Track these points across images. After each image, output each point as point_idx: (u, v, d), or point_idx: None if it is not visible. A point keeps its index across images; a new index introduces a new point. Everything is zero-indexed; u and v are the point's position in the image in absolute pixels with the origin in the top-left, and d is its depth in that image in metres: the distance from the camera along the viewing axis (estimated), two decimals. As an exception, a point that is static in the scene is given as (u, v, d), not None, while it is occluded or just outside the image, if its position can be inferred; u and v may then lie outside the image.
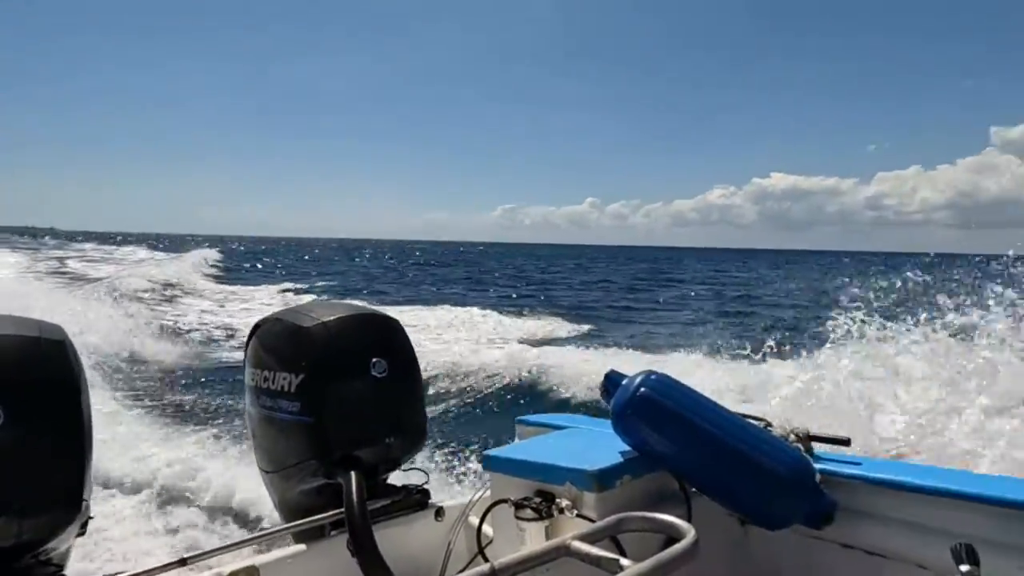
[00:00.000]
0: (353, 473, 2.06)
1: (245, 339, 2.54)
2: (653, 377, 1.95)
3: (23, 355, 1.59)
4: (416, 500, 2.30)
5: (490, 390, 10.00)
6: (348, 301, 2.65)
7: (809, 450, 1.99)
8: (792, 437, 1.97)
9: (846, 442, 2.00)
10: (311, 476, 2.22)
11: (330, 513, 2.08)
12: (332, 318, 2.28)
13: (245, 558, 1.91)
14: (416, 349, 2.43)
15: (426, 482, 2.43)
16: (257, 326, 2.50)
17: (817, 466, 1.89)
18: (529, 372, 10.44)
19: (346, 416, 2.17)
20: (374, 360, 2.22)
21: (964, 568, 1.22)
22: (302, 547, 2.02)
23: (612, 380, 2.02)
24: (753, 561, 2.11)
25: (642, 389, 1.92)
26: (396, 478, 2.46)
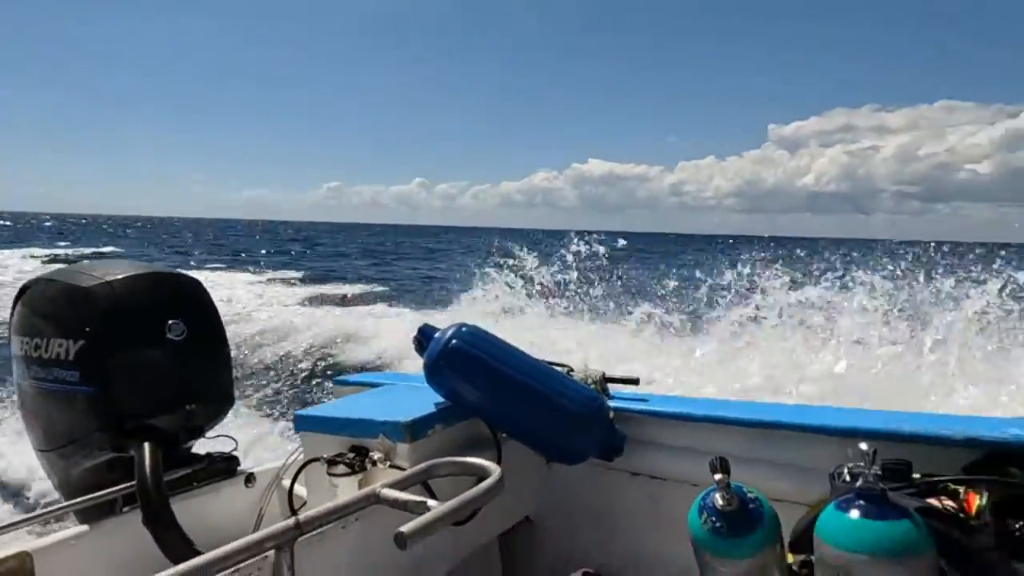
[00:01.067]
0: (146, 443, 1.91)
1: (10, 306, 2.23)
2: (464, 329, 2.01)
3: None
4: (222, 468, 2.19)
5: (307, 356, 9.78)
6: (136, 261, 2.40)
7: (605, 390, 2.18)
8: (590, 380, 2.14)
9: (635, 381, 2.21)
10: (98, 450, 2.02)
11: (118, 487, 1.91)
12: (118, 277, 2.07)
13: (17, 543, 1.71)
14: (224, 315, 2.29)
15: (234, 449, 2.32)
16: (24, 289, 2.20)
17: (611, 404, 2.08)
18: (347, 338, 10.46)
19: (138, 383, 2.00)
20: (171, 322, 2.06)
21: (717, 476, 1.42)
22: (84, 527, 1.84)
23: (426, 333, 2.05)
24: (557, 495, 2.28)
25: (453, 341, 1.97)
26: (204, 447, 2.32)
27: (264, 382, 8.53)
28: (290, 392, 8.11)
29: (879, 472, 1.20)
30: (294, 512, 2.02)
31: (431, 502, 1.50)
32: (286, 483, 2.28)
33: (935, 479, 1.46)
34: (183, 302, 2.16)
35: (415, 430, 1.88)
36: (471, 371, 1.94)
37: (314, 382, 8.50)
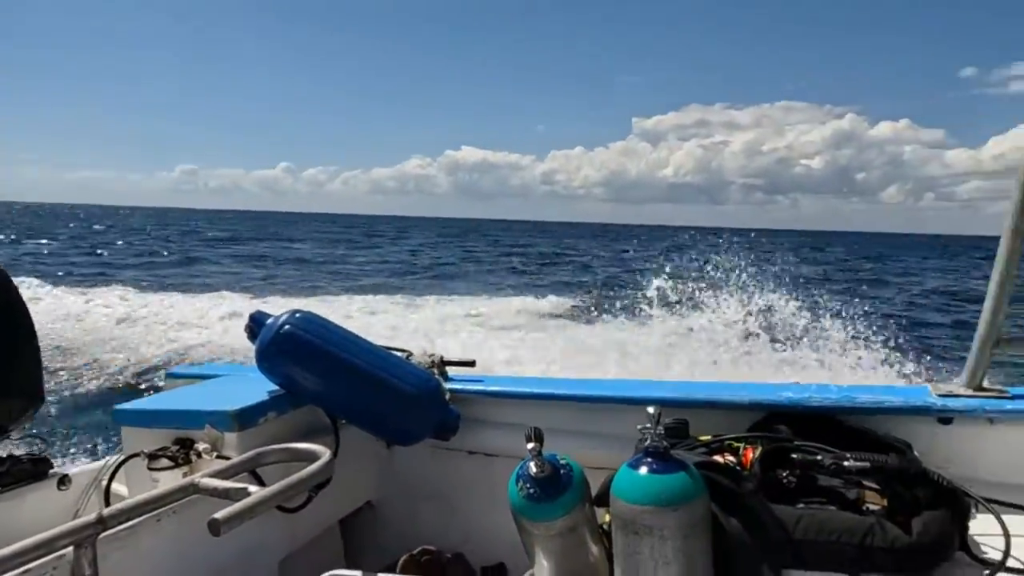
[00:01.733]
0: None
1: None
2: (298, 315, 1.98)
3: None
4: (28, 470, 2.01)
5: (132, 353, 9.15)
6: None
7: (443, 373, 2.24)
8: (429, 362, 2.19)
9: (471, 364, 2.29)
10: None
11: None
12: None
13: None
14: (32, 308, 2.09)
15: (45, 450, 2.14)
16: None
17: (448, 386, 2.14)
18: (178, 333, 9.95)
19: None
20: None
21: (530, 445, 1.51)
22: None
23: (257, 320, 2.00)
24: (398, 478, 2.31)
25: (286, 326, 1.94)
26: (9, 449, 2.12)
27: (88, 380, 7.84)
28: (120, 390, 7.52)
29: (662, 431, 1.34)
30: None
31: (252, 488, 1.48)
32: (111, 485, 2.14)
33: (722, 437, 1.65)
34: None
35: (244, 418, 1.84)
36: (304, 356, 1.93)
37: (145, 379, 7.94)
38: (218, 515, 1.30)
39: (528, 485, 1.54)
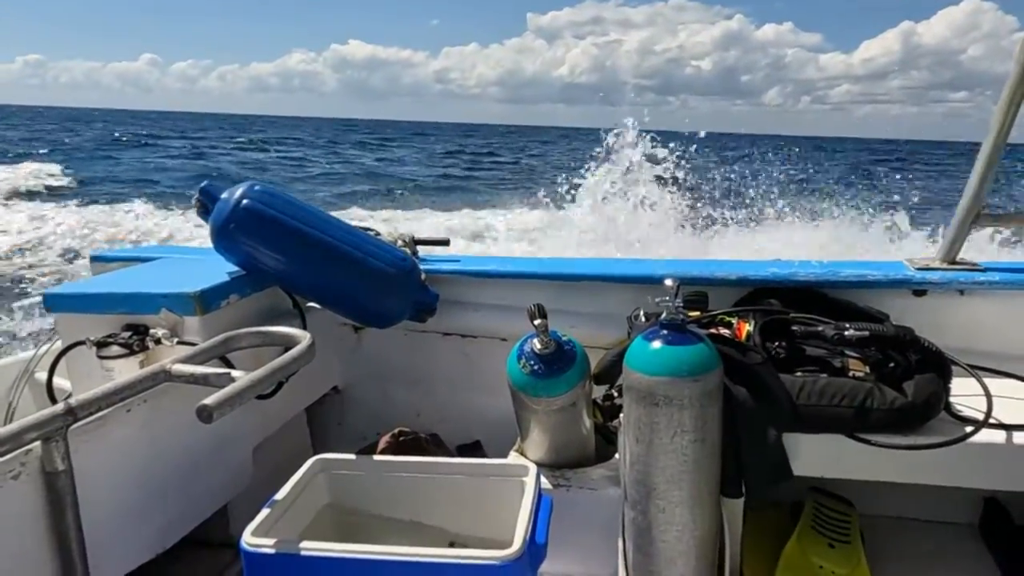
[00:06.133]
0: None
1: None
2: (257, 187, 1.78)
3: None
4: None
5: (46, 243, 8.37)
6: None
7: (415, 252, 2.12)
8: (400, 242, 2.06)
9: (445, 242, 2.18)
10: None
11: None
12: None
13: None
14: None
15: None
16: None
17: (422, 267, 2.03)
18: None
19: None
20: None
21: (537, 321, 1.46)
22: None
23: (209, 193, 1.78)
24: (367, 362, 2.23)
25: (245, 200, 1.74)
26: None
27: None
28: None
29: (681, 304, 1.32)
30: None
31: (235, 373, 1.36)
32: (40, 375, 1.93)
33: (713, 312, 1.66)
34: None
35: (206, 301, 1.67)
36: (267, 233, 1.75)
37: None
38: (208, 401, 1.19)
39: (532, 362, 1.50)
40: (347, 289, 1.83)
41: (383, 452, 1.94)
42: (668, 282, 1.32)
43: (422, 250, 2.17)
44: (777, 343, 1.57)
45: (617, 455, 1.76)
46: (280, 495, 1.43)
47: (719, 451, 1.35)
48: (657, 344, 1.31)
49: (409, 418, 2.18)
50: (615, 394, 1.71)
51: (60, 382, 1.83)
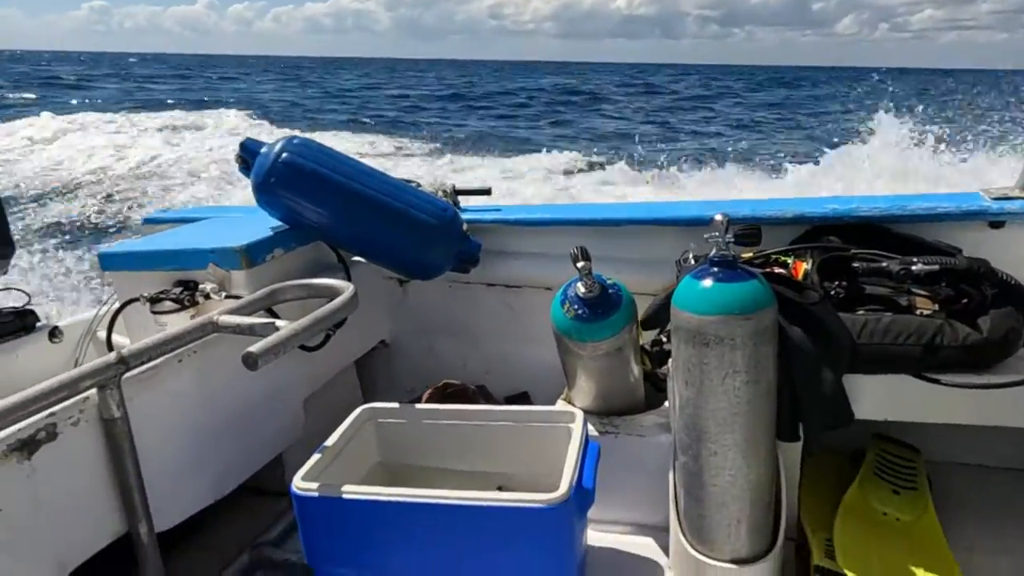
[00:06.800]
0: None
1: None
2: (296, 140, 1.77)
3: None
4: (14, 323, 1.86)
5: (107, 203, 8.72)
6: None
7: (456, 203, 2.09)
8: (441, 192, 2.03)
9: (487, 192, 2.14)
10: None
11: None
12: None
13: None
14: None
15: (27, 302, 1.97)
16: None
17: (464, 216, 2.00)
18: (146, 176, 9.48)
19: None
20: None
21: (580, 264, 1.42)
22: None
23: (249, 149, 1.78)
24: (413, 315, 2.24)
25: (284, 154, 1.73)
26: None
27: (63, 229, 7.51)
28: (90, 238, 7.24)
29: (732, 239, 1.25)
30: None
31: (279, 322, 1.37)
32: (102, 334, 2.01)
33: (766, 251, 1.58)
34: None
35: (252, 255, 1.69)
36: (309, 186, 1.74)
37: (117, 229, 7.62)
38: (253, 348, 1.20)
39: (576, 306, 1.47)
40: (389, 241, 1.81)
41: (429, 403, 1.95)
42: (718, 217, 1.25)
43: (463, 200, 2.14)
44: (837, 282, 1.48)
45: (667, 402, 1.72)
46: (330, 442, 1.45)
47: (774, 393, 1.29)
48: (707, 282, 1.25)
49: (455, 370, 2.18)
50: (664, 339, 1.66)
51: (120, 339, 1.90)
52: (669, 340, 1.67)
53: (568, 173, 11.75)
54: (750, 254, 1.60)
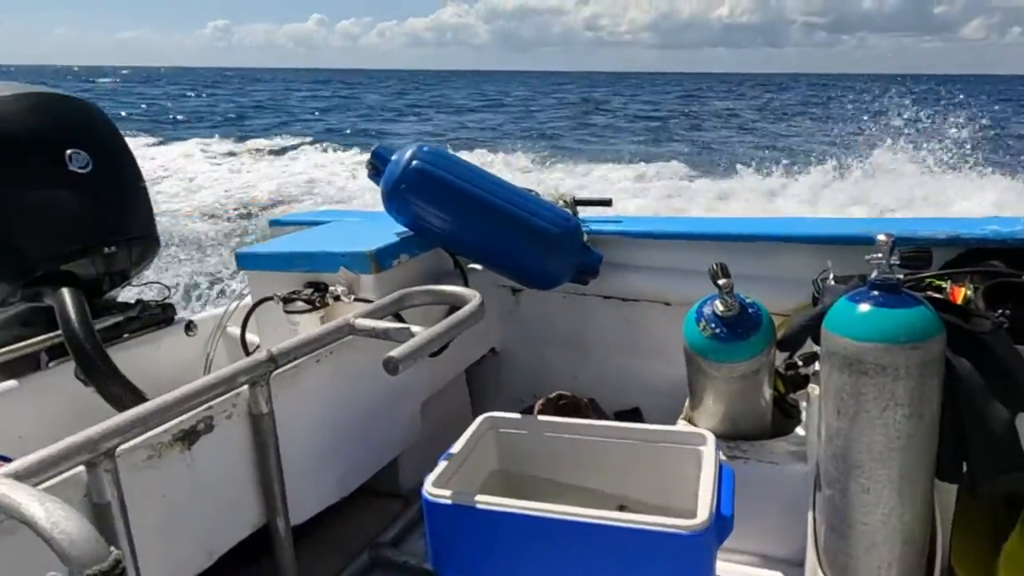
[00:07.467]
0: (65, 288, 1.67)
1: None
2: (425, 148, 1.81)
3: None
4: (158, 315, 1.97)
5: (238, 204, 9.32)
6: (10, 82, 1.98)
7: (575, 213, 2.07)
8: (561, 202, 2.02)
9: (607, 203, 2.11)
10: (5, 303, 1.76)
11: (39, 339, 1.69)
12: None
13: None
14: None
15: (167, 296, 2.09)
16: None
17: (583, 227, 1.98)
18: (279, 189, 10.05)
19: (42, 223, 1.71)
20: (70, 152, 1.73)
21: (721, 282, 1.37)
22: (13, 383, 1.63)
23: (380, 156, 1.83)
24: (525, 324, 2.23)
25: (415, 161, 1.77)
26: (130, 295, 2.09)
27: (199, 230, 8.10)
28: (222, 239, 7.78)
29: (897, 262, 1.17)
30: (248, 354, 1.87)
31: (415, 328, 1.39)
32: (231, 329, 2.11)
33: (920, 275, 1.47)
34: (83, 129, 1.82)
35: (380, 260, 1.73)
36: (436, 194, 1.77)
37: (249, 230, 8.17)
38: (394, 353, 1.22)
39: (713, 325, 1.41)
40: (512, 250, 1.81)
41: (541, 413, 1.94)
42: (882, 237, 1.17)
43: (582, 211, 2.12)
44: (1001, 310, 1.37)
45: (799, 428, 1.63)
46: (455, 449, 1.45)
47: (936, 428, 1.19)
48: (866, 307, 1.17)
49: (565, 381, 2.16)
50: (799, 363, 1.58)
51: (250, 336, 1.99)
52: (805, 364, 1.59)
53: (662, 182, 11.61)
54: (900, 276, 1.50)
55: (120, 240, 1.84)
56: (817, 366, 1.55)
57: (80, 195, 1.75)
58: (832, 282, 1.52)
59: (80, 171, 1.75)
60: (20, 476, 0.88)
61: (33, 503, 0.76)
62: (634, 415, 2.12)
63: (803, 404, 1.66)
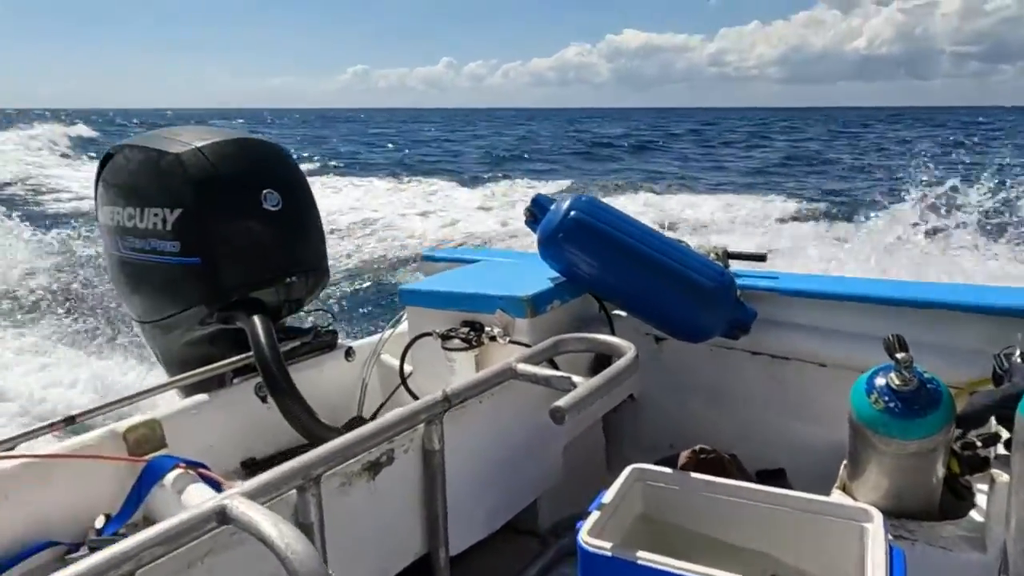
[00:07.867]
0: (256, 316, 1.86)
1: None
2: (583, 199, 1.87)
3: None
4: (326, 341, 2.15)
5: (387, 240, 10.01)
6: (211, 127, 2.25)
7: (727, 266, 2.06)
8: (713, 255, 2.02)
9: (762, 258, 2.08)
10: (200, 324, 1.98)
11: (234, 359, 1.88)
12: (207, 143, 1.94)
13: (143, 413, 1.71)
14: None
15: (330, 323, 2.27)
16: (108, 156, 2.09)
17: (737, 281, 1.96)
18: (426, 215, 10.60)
19: (240, 255, 1.92)
20: (265, 191, 1.94)
21: (900, 355, 1.32)
22: (204, 397, 1.84)
23: (540, 204, 1.91)
24: (665, 373, 2.23)
25: (573, 211, 1.84)
26: (297, 320, 2.29)
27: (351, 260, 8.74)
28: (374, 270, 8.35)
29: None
30: (405, 384, 2.00)
31: (576, 378, 1.44)
32: (384, 357, 2.25)
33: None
34: (275, 170, 2.04)
35: (536, 304, 1.80)
36: (592, 244, 1.83)
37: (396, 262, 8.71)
38: (560, 403, 1.27)
39: (887, 398, 1.36)
40: (665, 301, 1.83)
41: (683, 468, 1.92)
42: None
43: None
44: None
45: (972, 512, 1.52)
46: (606, 499, 1.47)
47: None
48: (1072, 395, 1.10)
49: (704, 434, 2.12)
50: (978, 443, 1.48)
51: (390, 360, 2.12)
52: (985, 445, 1.49)
53: (781, 221, 11.21)
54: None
55: (299, 271, 2.03)
56: (1000, 448, 1.45)
57: (272, 230, 1.96)
58: (1020, 360, 1.42)
59: (272, 209, 1.95)
60: (251, 496, 1.00)
61: (269, 524, 0.87)
62: (778, 476, 2.05)
63: (977, 486, 1.55)
